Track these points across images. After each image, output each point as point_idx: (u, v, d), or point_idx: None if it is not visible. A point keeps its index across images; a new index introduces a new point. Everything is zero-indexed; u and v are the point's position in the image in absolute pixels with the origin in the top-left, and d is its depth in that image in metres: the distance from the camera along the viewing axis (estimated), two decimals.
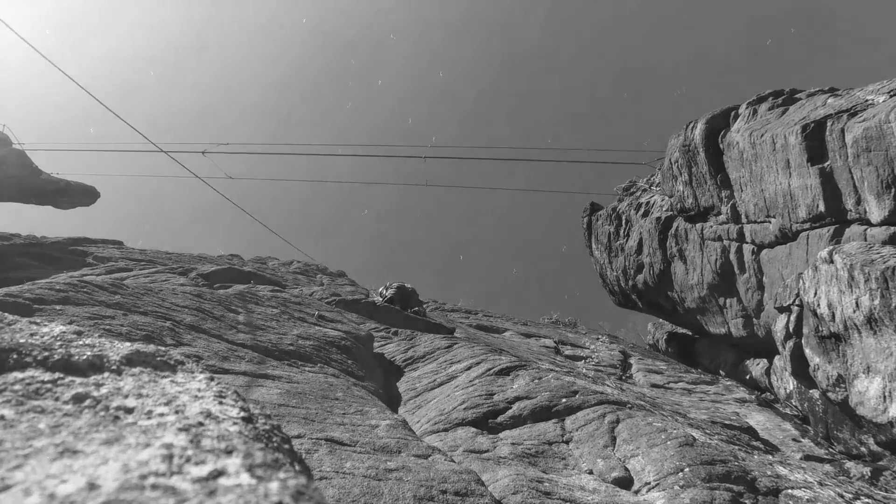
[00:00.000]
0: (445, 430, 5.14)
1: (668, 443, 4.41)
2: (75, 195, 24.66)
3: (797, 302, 8.15)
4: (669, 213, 13.79)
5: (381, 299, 13.49)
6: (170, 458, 0.66)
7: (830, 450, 7.18)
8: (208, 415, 0.85)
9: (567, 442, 4.84)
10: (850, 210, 8.01)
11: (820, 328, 7.09)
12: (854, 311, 6.32)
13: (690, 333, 15.84)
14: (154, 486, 0.59)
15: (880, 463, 6.40)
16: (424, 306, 17.41)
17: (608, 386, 7.68)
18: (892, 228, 7.19)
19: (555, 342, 13.51)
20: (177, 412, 0.84)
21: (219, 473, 0.63)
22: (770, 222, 9.95)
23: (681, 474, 3.91)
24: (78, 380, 0.90)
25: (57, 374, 0.90)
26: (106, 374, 0.96)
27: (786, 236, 9.55)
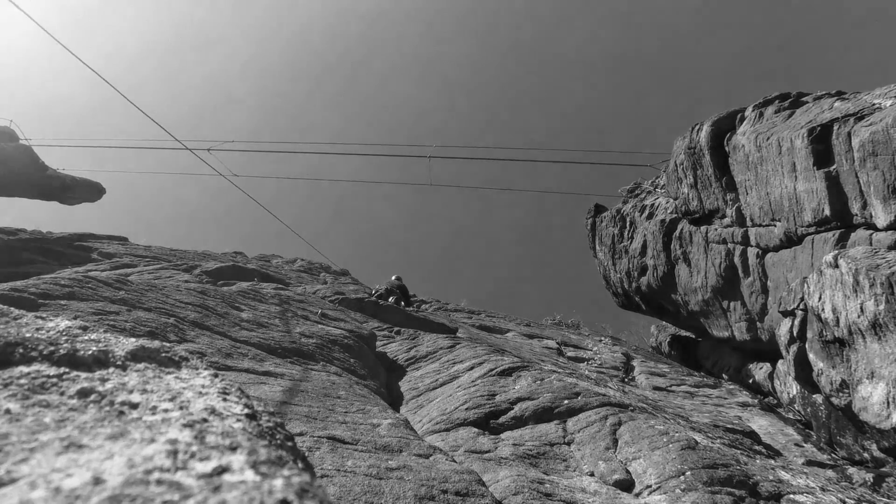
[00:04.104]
0: (447, 429, 5.14)
1: (670, 446, 4.40)
2: (81, 191, 24.75)
3: (801, 306, 8.11)
4: (674, 215, 13.75)
5: (381, 289, 13.61)
6: (174, 453, 0.66)
7: (833, 455, 7.14)
8: (212, 411, 0.85)
9: (569, 443, 4.84)
10: (856, 214, 7.97)
11: (824, 333, 7.06)
12: (859, 316, 6.28)
13: (693, 336, 15.79)
14: (159, 482, 0.59)
15: (883, 469, 6.37)
16: (426, 306, 17.43)
17: (610, 388, 7.67)
18: None
19: (557, 343, 13.49)
20: (181, 408, 0.84)
21: (223, 470, 0.63)
22: (775, 226, 9.90)
23: (682, 478, 3.90)
24: (83, 375, 0.91)
25: (62, 369, 0.91)
26: (111, 370, 0.97)
27: (791, 240, 9.51)
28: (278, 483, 0.62)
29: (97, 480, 0.58)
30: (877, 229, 7.58)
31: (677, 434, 4.64)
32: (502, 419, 5.30)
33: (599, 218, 17.77)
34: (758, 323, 11.11)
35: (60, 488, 0.56)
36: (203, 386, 0.98)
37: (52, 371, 0.89)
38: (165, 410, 0.83)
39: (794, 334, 8.16)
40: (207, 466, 0.64)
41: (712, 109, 12.27)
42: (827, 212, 8.39)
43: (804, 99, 10.60)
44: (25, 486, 0.57)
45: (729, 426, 7.11)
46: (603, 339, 15.97)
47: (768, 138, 9.71)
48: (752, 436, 7.05)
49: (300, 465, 0.81)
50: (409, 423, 4.86)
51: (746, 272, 11.02)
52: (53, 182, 23.10)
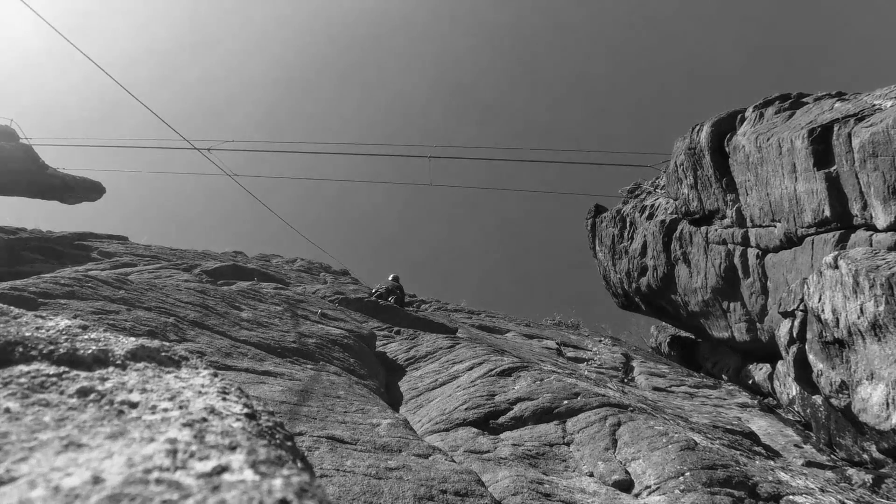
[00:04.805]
0: (446, 429, 5.14)
1: (670, 446, 4.40)
2: (81, 190, 24.74)
3: (801, 307, 8.11)
4: (674, 216, 13.75)
5: (381, 289, 13.62)
6: (174, 453, 0.66)
7: (832, 456, 7.14)
8: (212, 410, 0.85)
9: (568, 444, 4.84)
10: (856, 215, 7.97)
11: (824, 334, 7.06)
12: (858, 317, 6.28)
13: (693, 337, 15.79)
14: (158, 481, 0.59)
15: (882, 470, 6.37)
16: (426, 306, 17.43)
17: (610, 388, 7.67)
18: None
19: (557, 344, 13.49)
20: (181, 407, 0.84)
21: (223, 469, 0.63)
22: (775, 227, 9.90)
23: (681, 478, 3.90)
24: (83, 374, 0.91)
25: (62, 368, 0.91)
26: (111, 369, 0.97)
27: (791, 241, 9.51)
28: (277, 483, 0.62)
29: (96, 479, 0.58)
30: (877, 230, 7.58)
31: (677, 435, 4.64)
32: (502, 419, 5.30)
33: (599, 218, 17.77)
34: (758, 324, 11.11)
35: (60, 487, 0.56)
36: (203, 385, 0.98)
37: (52, 370, 0.89)
38: (165, 410, 0.83)
39: (794, 335, 8.15)
40: (207, 466, 0.64)
41: (712, 110, 12.27)
42: (827, 213, 8.39)
43: (804, 100, 10.60)
44: (25, 484, 0.57)
45: (728, 427, 7.11)
46: (603, 339, 15.97)
47: (769, 139, 9.71)
48: (752, 437, 7.05)
49: (299, 464, 0.81)
50: (408, 423, 4.86)
51: (746, 273, 11.02)
52: (54, 181, 23.09)
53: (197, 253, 16.78)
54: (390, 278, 14.60)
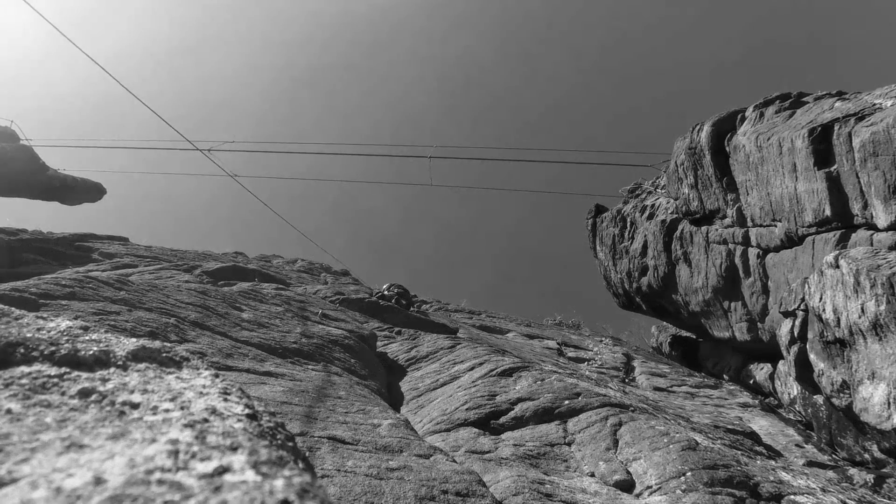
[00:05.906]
0: (447, 430, 5.14)
1: (671, 446, 4.40)
2: (82, 191, 24.78)
3: (802, 307, 8.11)
4: (674, 215, 13.74)
5: (391, 291, 13.62)
6: (175, 453, 0.66)
7: (834, 456, 7.14)
8: (213, 411, 0.85)
9: (569, 444, 4.84)
10: (857, 215, 7.96)
11: (825, 333, 7.05)
12: (859, 317, 6.28)
13: (694, 337, 15.78)
14: (160, 482, 0.59)
15: (884, 470, 6.36)
16: (427, 306, 17.43)
17: (611, 388, 7.66)
18: None
19: (558, 344, 13.48)
20: (182, 408, 0.84)
21: (224, 470, 0.63)
22: (776, 226, 9.90)
23: (683, 478, 3.90)
24: (84, 375, 0.91)
25: (63, 369, 0.91)
26: (112, 370, 0.97)
27: (791, 240, 9.51)
28: (279, 483, 0.62)
29: (98, 480, 0.58)
30: (878, 230, 7.58)
31: (678, 435, 4.64)
32: (503, 419, 5.30)
33: (600, 218, 17.77)
34: (758, 323, 11.10)
35: (62, 488, 0.56)
36: (204, 386, 0.98)
37: (53, 371, 0.89)
38: (166, 410, 0.83)
39: (795, 335, 8.15)
40: (208, 466, 0.64)
41: (713, 109, 12.26)
42: (828, 212, 8.39)
43: (805, 99, 10.60)
44: (27, 485, 0.57)
45: (730, 427, 7.11)
46: (603, 339, 15.96)
47: (769, 138, 9.70)
48: (753, 436, 7.04)
49: (301, 465, 0.81)
50: (409, 424, 4.86)
51: (747, 272, 11.01)
52: (54, 182, 23.13)
53: (197, 254, 16.79)
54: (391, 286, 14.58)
